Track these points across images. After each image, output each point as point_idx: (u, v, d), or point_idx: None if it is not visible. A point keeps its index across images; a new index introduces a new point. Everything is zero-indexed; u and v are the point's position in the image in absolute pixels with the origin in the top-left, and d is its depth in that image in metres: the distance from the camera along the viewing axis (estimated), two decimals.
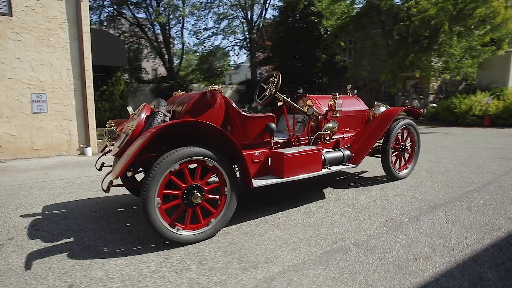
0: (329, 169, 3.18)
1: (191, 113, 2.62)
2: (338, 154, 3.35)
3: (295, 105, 3.33)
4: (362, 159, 3.49)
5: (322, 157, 3.15)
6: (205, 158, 2.39)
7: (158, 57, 19.22)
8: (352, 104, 3.93)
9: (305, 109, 3.39)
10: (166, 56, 18.72)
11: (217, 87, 2.68)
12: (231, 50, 25.48)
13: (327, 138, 3.33)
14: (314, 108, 3.35)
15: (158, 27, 17.79)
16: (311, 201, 3.34)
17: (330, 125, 3.39)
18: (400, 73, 12.63)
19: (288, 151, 2.88)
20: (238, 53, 25.64)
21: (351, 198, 3.38)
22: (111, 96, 11.99)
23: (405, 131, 4.02)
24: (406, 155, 4.13)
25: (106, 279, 1.97)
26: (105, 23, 16.57)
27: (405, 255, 2.20)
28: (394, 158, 3.93)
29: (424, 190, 3.64)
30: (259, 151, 2.85)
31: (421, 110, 5.16)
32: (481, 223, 2.71)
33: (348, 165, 3.35)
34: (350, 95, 4.21)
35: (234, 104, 2.80)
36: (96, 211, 3.20)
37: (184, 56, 21.54)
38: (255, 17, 21.54)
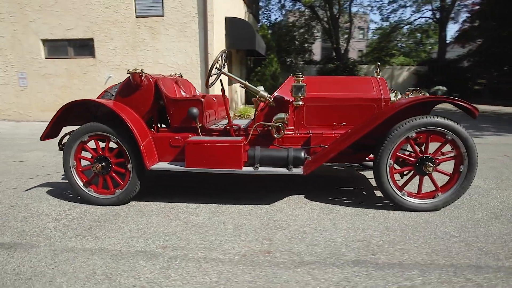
0: (256, 168, 2.56)
1: (121, 94, 2.90)
2: (278, 153, 2.60)
3: (252, 87, 2.83)
4: (315, 167, 2.52)
5: (249, 153, 2.59)
6: (106, 134, 2.67)
7: (326, 37, 18.99)
8: (351, 88, 2.80)
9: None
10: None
11: (138, 70, 2.80)
12: (423, 25, 20.92)
13: (276, 131, 2.64)
14: (263, 92, 2.72)
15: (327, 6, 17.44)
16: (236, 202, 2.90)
17: (280, 115, 2.64)
18: None
19: (196, 138, 2.61)
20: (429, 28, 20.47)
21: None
22: (262, 77, 13.43)
23: (433, 137, 2.44)
24: (437, 176, 2.51)
25: None
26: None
27: None
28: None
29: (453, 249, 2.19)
30: (179, 136, 2.77)
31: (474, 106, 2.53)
32: None
33: (291, 170, 2.54)
34: (378, 76, 2.98)
35: (162, 88, 2.82)
36: None
37: (363, 35, 20.03)
38: None
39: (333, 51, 18.97)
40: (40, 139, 2.83)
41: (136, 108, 2.84)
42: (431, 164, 2.42)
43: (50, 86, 8.55)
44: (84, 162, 2.86)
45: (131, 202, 2.84)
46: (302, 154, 2.57)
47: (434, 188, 2.51)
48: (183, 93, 3.24)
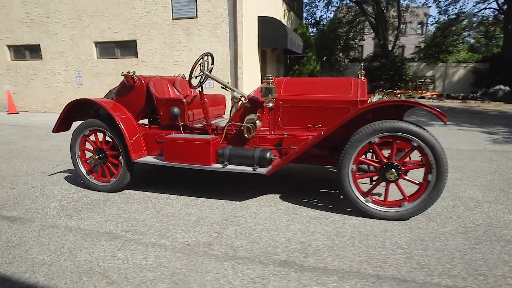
0: (225, 166, 2.69)
1: (119, 94, 3.25)
2: (246, 152, 2.69)
3: (232, 88, 2.96)
4: (277, 168, 2.56)
5: (219, 151, 2.73)
6: (102, 129, 3.03)
7: (372, 32, 17.90)
8: (328, 90, 2.75)
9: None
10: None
11: (132, 72, 3.10)
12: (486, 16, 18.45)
13: (246, 131, 2.74)
14: (235, 93, 2.81)
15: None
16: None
17: (250, 116, 2.72)
18: None
19: (173, 136, 2.83)
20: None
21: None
22: (300, 75, 13.32)
23: (401, 143, 2.32)
24: (405, 184, 2.36)
25: None
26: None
27: None
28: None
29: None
30: (163, 133, 3.02)
31: (441, 112, 2.12)
32: None
33: (255, 170, 2.61)
34: (362, 77, 2.90)
35: (151, 88, 3.09)
36: None
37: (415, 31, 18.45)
38: None
39: (380, 48, 17.89)
40: (52, 132, 3.32)
41: (131, 107, 3.17)
42: (393, 171, 2.31)
43: (100, 83, 9.61)
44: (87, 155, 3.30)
45: (125, 190, 3.19)
46: (268, 155, 2.64)
47: (402, 197, 2.40)
48: (176, 93, 3.50)
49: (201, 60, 3.02)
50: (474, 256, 1.89)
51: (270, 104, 2.72)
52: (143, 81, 3.14)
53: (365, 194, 2.43)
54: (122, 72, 3.13)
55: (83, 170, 3.24)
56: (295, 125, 2.83)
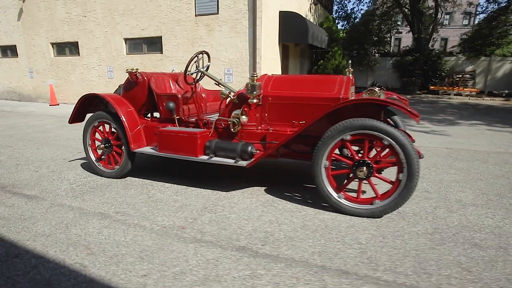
0: (210, 158, 2.87)
1: (125, 89, 3.55)
2: (229, 145, 2.84)
3: (225, 84, 3.12)
4: (256, 161, 2.68)
5: (207, 144, 2.91)
6: (108, 121, 3.35)
7: (407, 25, 16.92)
8: (314, 87, 2.81)
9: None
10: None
11: (135, 69, 3.36)
12: None
13: (233, 126, 2.89)
14: (224, 89, 2.96)
15: None
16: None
17: (236, 112, 2.86)
18: None
19: (167, 128, 3.05)
20: None
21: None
22: (324, 70, 13.10)
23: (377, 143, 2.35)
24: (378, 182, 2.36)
25: None
26: None
27: None
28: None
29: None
30: (160, 126, 3.27)
31: (412, 112, 2.02)
32: None
33: (237, 163, 2.76)
34: (350, 74, 2.93)
35: (152, 84, 3.35)
36: None
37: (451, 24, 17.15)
38: None
39: (414, 41, 16.92)
40: (68, 122, 3.71)
41: (135, 101, 3.46)
42: (363, 169, 2.35)
43: None
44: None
45: (128, 177, 3.51)
46: (249, 149, 2.78)
47: (375, 194, 2.42)
48: (178, 89, 3.74)
49: (196, 58, 3.22)
50: (429, 256, 1.91)
51: (255, 100, 2.85)
52: (145, 78, 3.41)
53: (338, 190, 2.49)
54: (126, 69, 3.42)
55: (93, 158, 3.60)
56: (280, 121, 2.94)
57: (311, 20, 12.71)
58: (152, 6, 9.33)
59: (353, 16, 18.12)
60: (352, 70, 3.01)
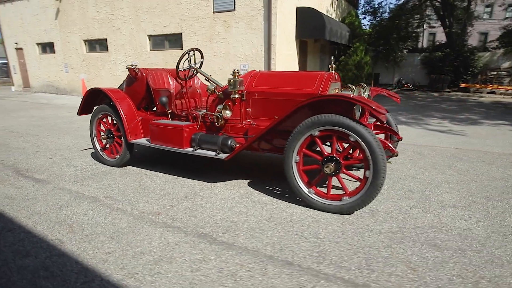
0: (195, 150, 3.02)
1: (126, 84, 3.79)
2: (211, 139, 2.96)
3: (215, 80, 3.25)
4: (233, 154, 2.78)
5: (192, 136, 3.06)
6: (109, 113, 3.62)
7: (437, 20, 15.87)
8: (295, 83, 2.85)
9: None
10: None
11: (134, 65, 3.58)
12: None
13: (216, 120, 3.02)
14: (209, 85, 3.08)
15: None
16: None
17: (219, 107, 2.98)
18: None
19: (157, 121, 3.24)
20: None
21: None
22: (345, 66, 12.80)
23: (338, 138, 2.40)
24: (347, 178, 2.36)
25: None
26: None
27: None
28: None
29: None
30: (155, 119, 3.47)
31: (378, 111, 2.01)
32: None
33: (217, 155, 2.88)
34: (333, 71, 2.94)
35: (149, 79, 3.55)
36: None
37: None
38: None
39: (445, 36, 15.90)
40: (77, 114, 4.05)
41: (134, 95, 3.70)
42: (330, 165, 2.37)
43: None
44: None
45: (128, 166, 3.77)
46: (229, 142, 2.90)
47: (344, 191, 2.44)
48: (176, 84, 3.92)
49: (187, 55, 3.37)
50: (381, 253, 1.92)
51: (236, 96, 2.95)
52: (143, 73, 3.63)
53: (309, 185, 2.54)
54: (126, 66, 3.66)
55: (98, 147, 3.90)
56: (263, 116, 3.03)
57: (333, 15, 12.46)
58: (173, 4, 9.67)
59: (381, 10, 17.41)
60: (334, 66, 3.01)
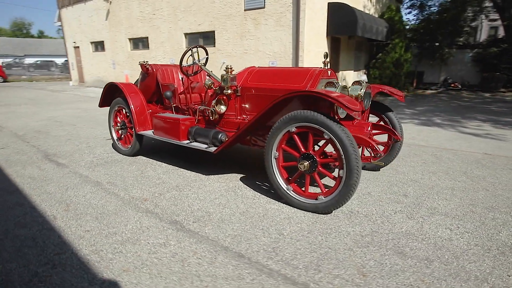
0: (190, 142, 3.16)
1: (140, 80, 4.05)
2: (205, 132, 3.07)
3: (215, 75, 3.35)
4: (220, 148, 2.85)
5: (189, 129, 3.20)
6: (123, 106, 3.91)
7: (496, 12, 14.07)
8: (287, 80, 2.85)
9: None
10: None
11: (146, 61, 3.81)
12: None
13: (211, 114, 3.12)
14: (210, 80, 3.18)
15: None
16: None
17: (214, 102, 3.07)
18: None
19: (159, 114, 3.44)
20: None
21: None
22: (382, 64, 12.15)
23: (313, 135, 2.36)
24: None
25: None
26: None
27: None
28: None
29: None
30: (161, 112, 3.69)
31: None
32: None
33: (208, 149, 2.97)
34: (327, 67, 2.89)
35: (158, 75, 3.77)
36: None
37: None
38: None
39: (504, 30, 14.11)
40: (98, 106, 4.43)
41: (146, 90, 3.96)
42: (304, 162, 2.34)
43: None
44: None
45: (139, 156, 4.06)
46: (219, 136, 3.00)
47: (320, 190, 2.40)
48: (185, 80, 4.11)
49: (190, 51, 3.52)
50: (337, 255, 1.88)
51: (229, 91, 3.03)
52: (154, 69, 3.87)
53: (288, 182, 2.53)
54: (139, 62, 3.93)
55: (115, 137, 4.25)
56: (256, 111, 3.07)
57: (371, 11, 11.86)
58: (207, 3, 9.99)
59: (429, 4, 16.02)
60: (328, 61, 2.93)
